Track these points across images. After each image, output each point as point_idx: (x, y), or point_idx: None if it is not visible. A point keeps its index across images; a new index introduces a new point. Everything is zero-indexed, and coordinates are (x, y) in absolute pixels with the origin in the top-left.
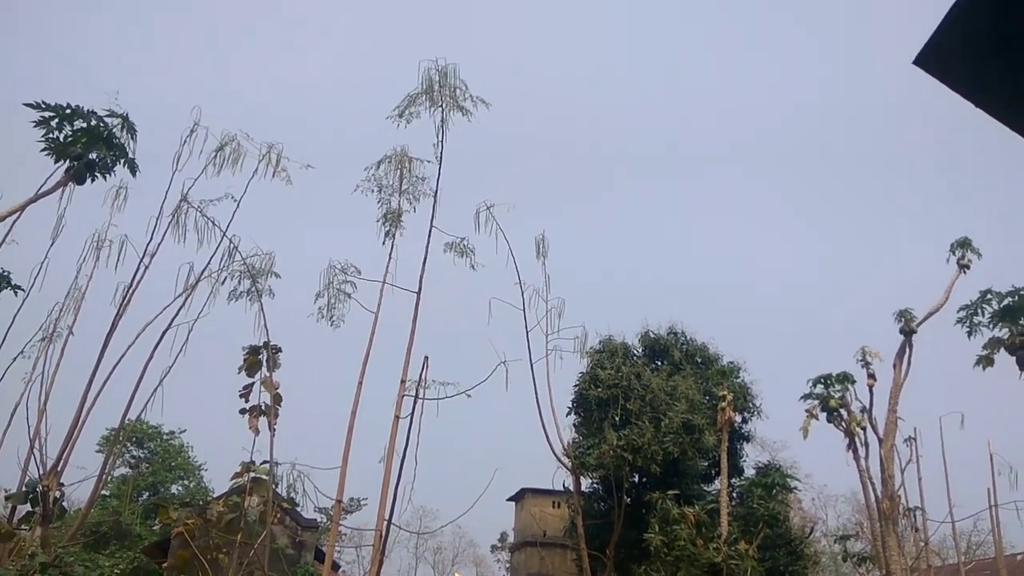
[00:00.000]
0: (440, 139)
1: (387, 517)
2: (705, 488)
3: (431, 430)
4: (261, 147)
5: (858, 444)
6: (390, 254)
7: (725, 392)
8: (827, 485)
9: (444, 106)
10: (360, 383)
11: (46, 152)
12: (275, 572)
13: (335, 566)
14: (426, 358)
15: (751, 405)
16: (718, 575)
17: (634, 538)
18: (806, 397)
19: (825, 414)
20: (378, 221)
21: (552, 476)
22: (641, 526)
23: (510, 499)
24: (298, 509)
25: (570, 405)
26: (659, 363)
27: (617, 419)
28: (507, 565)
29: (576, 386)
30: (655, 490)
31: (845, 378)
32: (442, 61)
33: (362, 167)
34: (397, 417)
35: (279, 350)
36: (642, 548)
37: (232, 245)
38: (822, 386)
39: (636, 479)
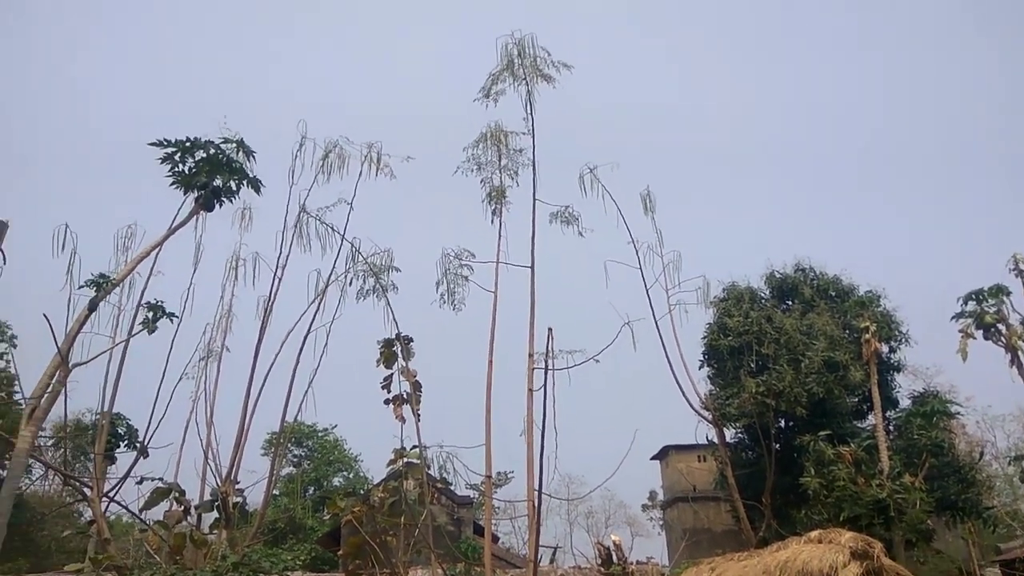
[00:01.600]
0: (529, 111)
1: (537, 487)
2: (858, 425)
3: (565, 399)
4: (362, 148)
5: (1022, 359)
6: (499, 232)
7: (867, 323)
8: (991, 406)
9: (528, 78)
10: (490, 362)
11: (174, 186)
12: (439, 548)
13: (494, 538)
14: (550, 330)
15: (897, 333)
16: (884, 511)
17: (789, 483)
18: (958, 316)
19: (981, 332)
20: (483, 201)
21: (694, 430)
22: (795, 471)
23: (653, 458)
24: (451, 488)
25: (701, 358)
26: (790, 303)
27: (753, 366)
28: (660, 523)
29: (704, 338)
30: (804, 433)
31: (999, 291)
32: (517, 34)
33: (451, 152)
34: (530, 390)
35: (411, 340)
36: (799, 493)
37: (352, 247)
38: (974, 302)
39: (782, 424)
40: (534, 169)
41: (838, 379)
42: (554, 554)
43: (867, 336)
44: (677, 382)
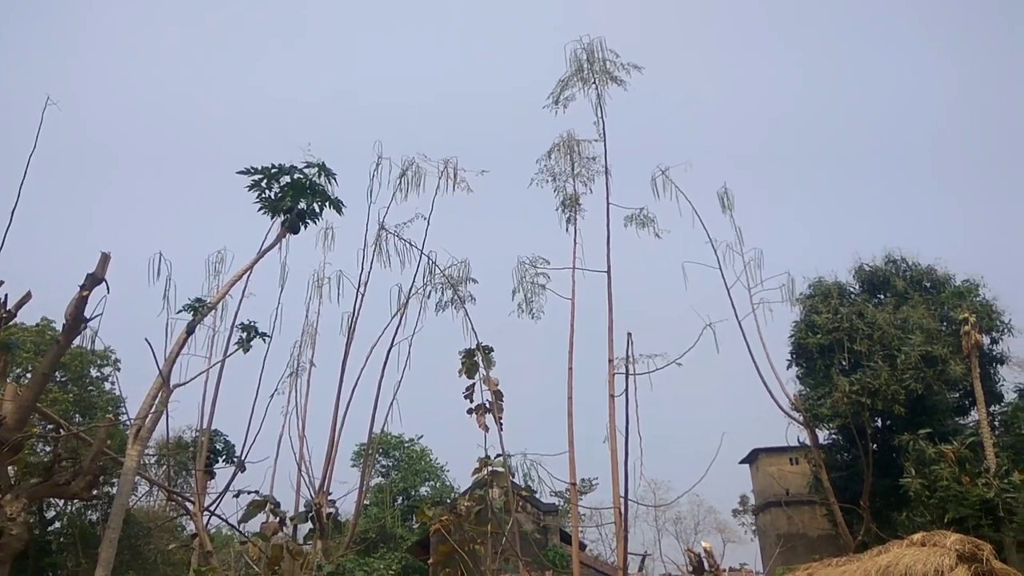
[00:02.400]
0: (600, 116)
1: (623, 494)
2: (960, 422)
3: (648, 405)
4: (438, 164)
5: None
6: (574, 238)
7: (966, 314)
8: None
9: (598, 82)
10: (570, 368)
11: (262, 211)
12: (527, 556)
13: (581, 546)
14: (629, 335)
15: (999, 323)
16: (992, 512)
17: (888, 485)
18: None
19: None
20: (557, 209)
21: (784, 433)
22: (894, 471)
23: (743, 461)
24: (536, 496)
25: (789, 357)
26: (881, 296)
27: (845, 364)
28: (752, 528)
29: (791, 336)
30: (903, 432)
31: None
32: (586, 38)
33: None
34: (612, 396)
35: (491, 350)
36: (899, 494)
37: (430, 260)
38: None
39: (879, 423)
40: (607, 173)
41: (937, 374)
42: (643, 561)
43: (967, 328)
44: (764, 383)
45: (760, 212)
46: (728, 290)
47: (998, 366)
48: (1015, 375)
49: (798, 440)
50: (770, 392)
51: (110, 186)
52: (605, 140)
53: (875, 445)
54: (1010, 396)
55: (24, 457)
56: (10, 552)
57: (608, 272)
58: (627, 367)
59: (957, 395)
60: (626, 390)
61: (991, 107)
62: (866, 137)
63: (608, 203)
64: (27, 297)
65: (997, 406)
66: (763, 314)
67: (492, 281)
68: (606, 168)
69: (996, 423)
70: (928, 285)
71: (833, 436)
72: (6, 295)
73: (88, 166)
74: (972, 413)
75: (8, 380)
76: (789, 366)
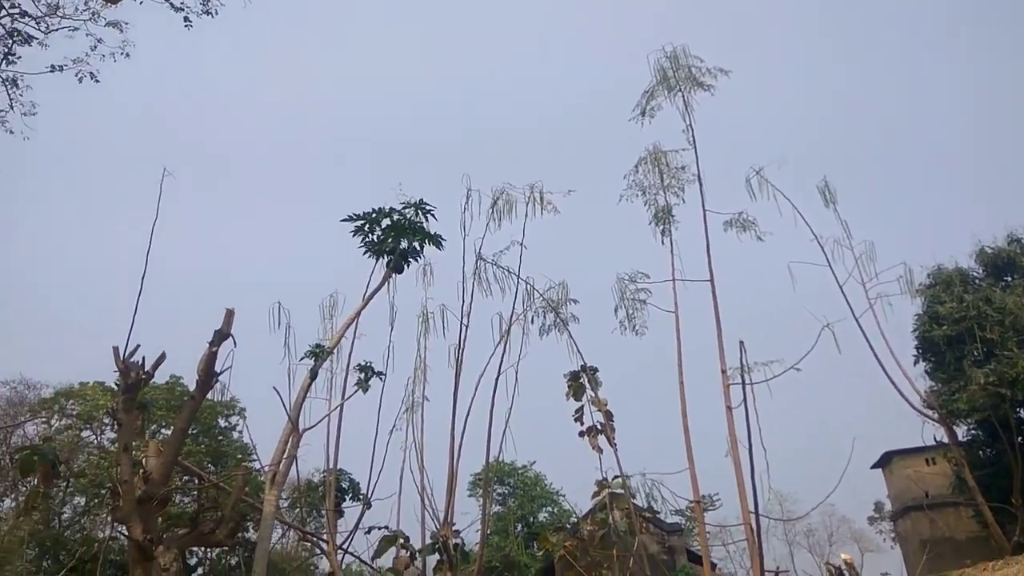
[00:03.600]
0: (688, 123)
1: (752, 508)
2: None
3: (769, 414)
4: (525, 190)
5: None
6: (671, 250)
7: None
8: None
9: (684, 89)
10: (681, 383)
11: (367, 254)
12: None
13: (711, 565)
14: (742, 343)
15: None
16: None
17: None
18: None
19: None
20: (650, 223)
21: (920, 432)
22: None
23: (874, 466)
24: (659, 516)
25: (915, 352)
26: (1009, 279)
27: (977, 354)
28: (892, 535)
29: (915, 330)
30: None
31: None
32: (668, 47)
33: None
34: (728, 408)
35: (596, 370)
36: None
37: (528, 285)
38: None
39: (1021, 414)
40: (700, 181)
41: None
42: None
43: None
44: (892, 382)
45: (860, 208)
46: (841, 287)
47: None
48: None
49: (934, 439)
50: (899, 390)
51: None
52: (696, 147)
53: (1020, 438)
54: None
55: (168, 510)
56: None
57: (711, 281)
58: (742, 377)
59: None
60: (744, 401)
61: None
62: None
63: (704, 210)
64: (162, 358)
65: None
66: (881, 309)
67: (593, 300)
68: (699, 176)
69: None
70: None
71: (972, 431)
72: (143, 357)
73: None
74: None
75: (145, 437)
76: (916, 361)
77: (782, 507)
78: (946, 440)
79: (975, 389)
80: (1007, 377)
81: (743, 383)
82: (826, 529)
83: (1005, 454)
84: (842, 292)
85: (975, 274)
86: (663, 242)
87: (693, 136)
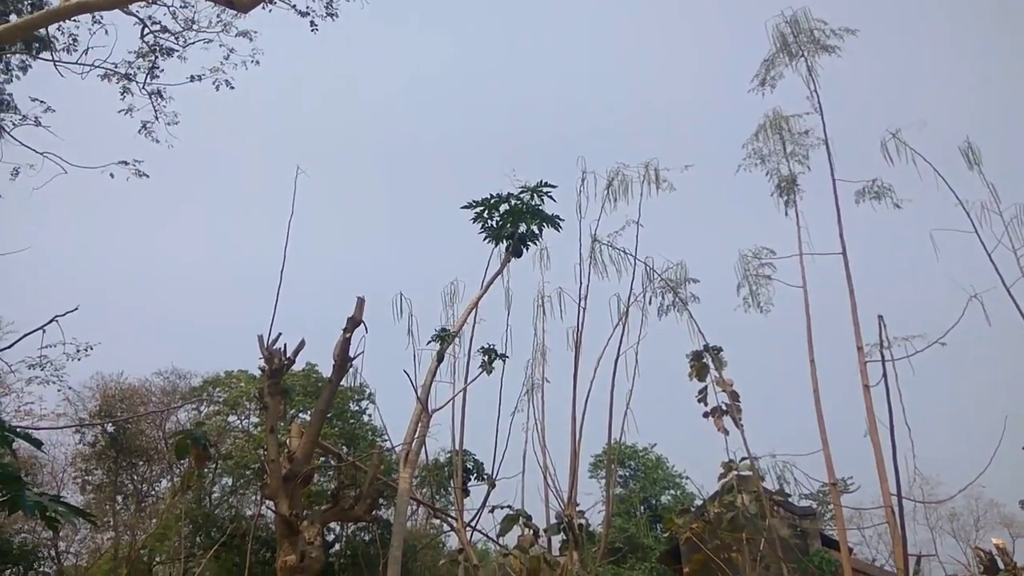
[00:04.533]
0: (813, 88)
1: (893, 491)
2: None
3: (912, 391)
4: (639, 169)
5: None
6: (797, 222)
7: None
8: None
9: (806, 54)
10: (812, 360)
11: (486, 239)
12: (789, 563)
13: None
14: (880, 318)
15: None
16: None
17: None
18: None
19: None
20: (772, 194)
21: None
22: None
23: None
24: (789, 499)
25: None
26: None
27: None
28: None
29: None
30: None
31: None
32: (788, 11)
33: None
34: (866, 387)
35: (720, 350)
36: None
37: (646, 266)
38: None
39: None
40: (828, 148)
41: None
42: (918, 563)
43: None
44: None
45: (1009, 170)
46: (989, 255)
47: None
48: None
49: None
50: None
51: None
52: (822, 113)
53: None
54: None
55: (310, 487)
56: (312, 573)
57: (844, 254)
58: (881, 353)
59: None
60: (883, 378)
61: None
62: None
63: (834, 179)
64: (302, 345)
65: None
66: None
67: (713, 278)
68: (826, 143)
69: None
70: None
71: None
72: (285, 344)
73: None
74: None
75: (287, 421)
76: None
77: (923, 490)
78: None
79: None
80: None
81: (882, 360)
82: (972, 513)
83: None
84: (991, 260)
85: None
86: (787, 214)
87: (819, 102)
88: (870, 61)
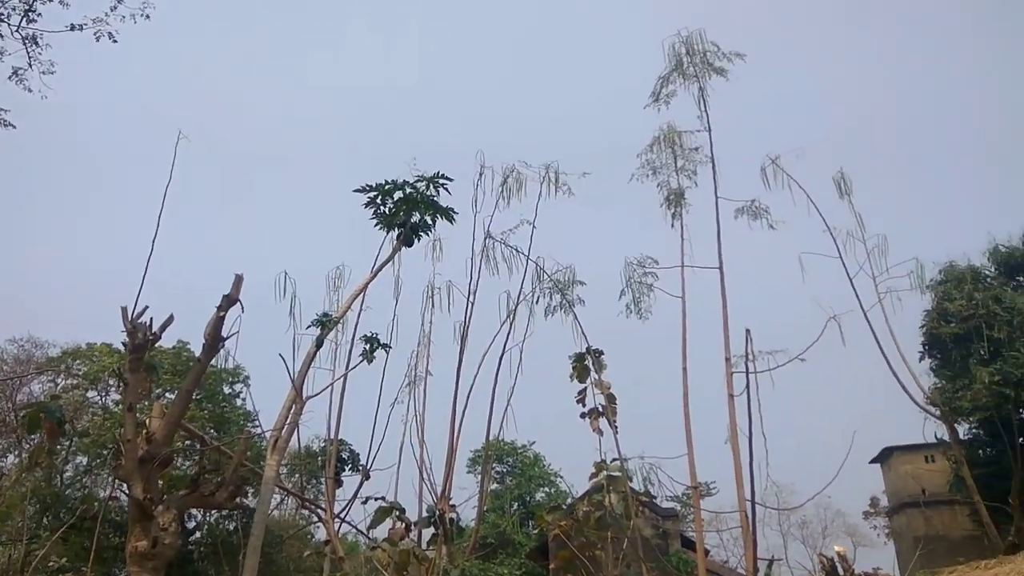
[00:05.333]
0: (703, 108)
1: (748, 497)
2: None
3: (771, 403)
4: (539, 170)
5: None
6: (681, 235)
7: None
8: None
9: (699, 74)
10: (684, 369)
11: (378, 226)
12: (649, 561)
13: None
14: (748, 331)
15: None
16: None
17: None
18: None
19: None
20: (661, 205)
21: (921, 429)
22: None
23: (873, 461)
24: (655, 500)
25: (921, 348)
26: (1020, 279)
27: (983, 353)
28: (886, 531)
29: (923, 326)
30: None
31: None
32: (684, 32)
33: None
34: (731, 396)
35: (601, 353)
36: None
37: (536, 266)
38: None
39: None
40: (713, 166)
41: None
42: (770, 566)
43: None
44: (896, 377)
45: (878, 198)
46: (851, 280)
47: None
48: None
49: (935, 436)
50: (903, 386)
51: (238, 203)
52: (710, 133)
53: (1022, 439)
54: None
55: (169, 471)
56: (164, 560)
57: (720, 268)
58: (746, 365)
59: None
60: (746, 389)
61: None
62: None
63: (716, 196)
64: (170, 320)
65: None
66: (891, 303)
67: (600, 283)
68: (712, 161)
69: None
70: None
71: (974, 431)
72: (151, 319)
73: (213, 184)
74: None
75: (151, 400)
76: (922, 358)
77: (778, 497)
78: (947, 438)
79: (979, 388)
80: (1012, 377)
81: (747, 371)
82: (821, 522)
83: (1005, 454)
84: (852, 285)
85: (987, 272)
86: (673, 226)
87: (708, 121)
88: (765, 84)
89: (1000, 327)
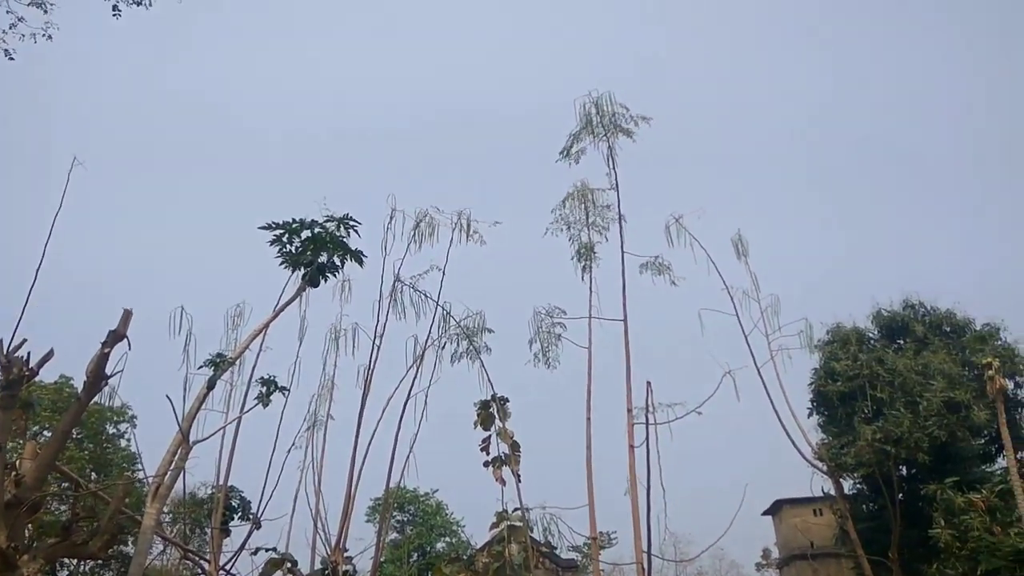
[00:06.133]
0: (611, 166)
1: (645, 548)
2: (987, 469)
3: (669, 455)
4: (451, 216)
5: None
6: (590, 287)
7: (989, 359)
8: None
9: (608, 134)
10: (588, 419)
11: (283, 265)
12: None
13: None
14: (648, 383)
15: (1022, 367)
16: None
17: (917, 536)
18: None
19: None
20: (572, 258)
21: (809, 483)
22: (922, 522)
23: (765, 513)
24: (555, 551)
25: (810, 405)
26: (901, 342)
27: (867, 411)
28: None
29: (811, 384)
30: (928, 481)
31: None
32: (595, 93)
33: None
34: (631, 447)
35: (506, 400)
36: (928, 546)
37: (445, 312)
38: None
39: (904, 472)
40: (620, 222)
41: (960, 420)
42: None
43: (991, 372)
44: (786, 432)
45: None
46: (746, 337)
47: (1023, 411)
48: None
49: (822, 490)
50: (792, 441)
51: (125, 235)
52: (618, 190)
53: (902, 495)
54: None
55: (40, 517)
56: None
57: (624, 321)
58: (647, 417)
59: (982, 442)
60: (646, 440)
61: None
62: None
63: (623, 252)
64: (49, 355)
65: None
66: (782, 361)
67: (508, 332)
68: (620, 217)
69: None
70: (948, 330)
71: (858, 486)
72: (28, 353)
73: (102, 216)
74: (999, 460)
75: (27, 438)
76: (810, 414)
77: (675, 548)
78: (833, 492)
79: (863, 445)
80: (893, 435)
81: (647, 423)
82: (716, 573)
83: (886, 509)
84: (747, 342)
85: (871, 335)
86: (583, 279)
87: (616, 179)
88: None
89: (882, 387)
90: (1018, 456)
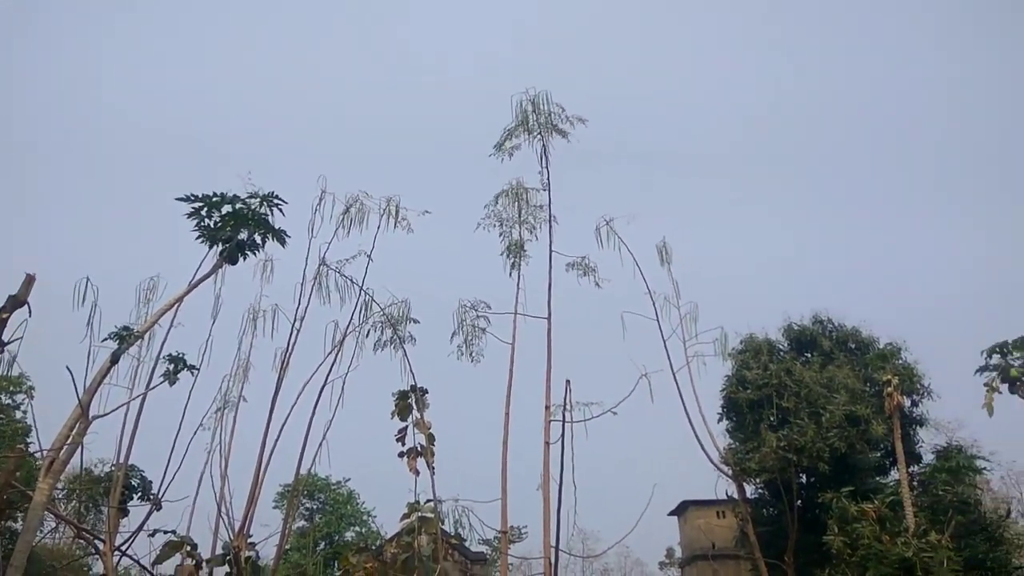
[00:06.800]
0: (544, 165)
1: (553, 544)
2: (881, 481)
3: (583, 452)
4: (381, 202)
5: None
6: (517, 284)
7: (889, 376)
8: (1016, 461)
9: (542, 133)
10: (507, 414)
11: (200, 239)
12: None
13: None
14: (567, 382)
15: (919, 387)
16: (911, 571)
17: (812, 542)
18: (982, 370)
19: (1007, 385)
20: (502, 254)
21: (714, 486)
22: (818, 528)
23: (671, 513)
24: (465, 543)
25: (720, 411)
26: (809, 355)
27: (773, 419)
28: None
29: (723, 390)
30: (826, 489)
31: None
32: (532, 91)
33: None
34: (547, 443)
35: (426, 392)
36: (822, 551)
37: (369, 298)
38: (999, 356)
39: (804, 480)
40: (550, 221)
41: (860, 433)
42: None
43: (889, 390)
44: (696, 435)
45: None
46: (664, 342)
47: (918, 428)
48: (933, 437)
49: (727, 493)
50: (701, 444)
51: (36, 198)
52: (549, 188)
53: (800, 501)
54: (928, 457)
55: None
56: None
57: (549, 319)
58: (564, 414)
59: (879, 455)
60: (562, 437)
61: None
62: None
63: (551, 251)
64: None
65: (916, 466)
66: (697, 367)
67: (434, 323)
68: (550, 215)
69: (915, 483)
70: (853, 346)
71: (760, 491)
72: None
73: (13, 173)
74: (893, 472)
75: None
76: (720, 419)
77: (583, 544)
78: (736, 496)
79: (767, 451)
80: (796, 444)
81: (563, 420)
82: (621, 570)
83: (785, 515)
84: (665, 346)
85: (781, 347)
86: (511, 275)
87: (548, 178)
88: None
89: (789, 397)
90: (910, 470)
